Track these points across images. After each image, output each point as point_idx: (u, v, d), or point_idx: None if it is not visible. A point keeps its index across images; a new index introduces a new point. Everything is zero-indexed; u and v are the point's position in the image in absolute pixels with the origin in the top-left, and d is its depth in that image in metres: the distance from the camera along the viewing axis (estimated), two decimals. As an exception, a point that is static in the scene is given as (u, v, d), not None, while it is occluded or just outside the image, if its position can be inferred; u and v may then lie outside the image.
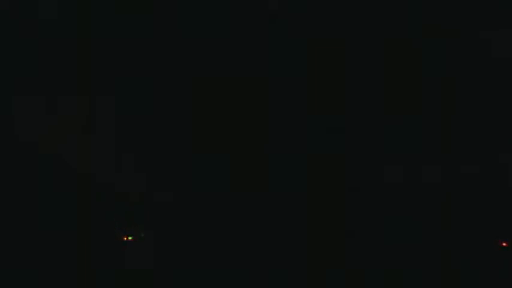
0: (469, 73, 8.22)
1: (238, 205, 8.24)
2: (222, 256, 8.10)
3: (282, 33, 8.28)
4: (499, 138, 8.17)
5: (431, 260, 7.99)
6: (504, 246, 7.95)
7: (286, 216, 8.19)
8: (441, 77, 8.26)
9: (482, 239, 8.05)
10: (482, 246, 8.04)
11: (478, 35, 8.20)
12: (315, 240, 8.14)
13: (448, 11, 8.21)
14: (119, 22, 8.28)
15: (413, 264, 7.96)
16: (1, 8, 8.21)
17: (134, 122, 8.32)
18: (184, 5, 8.28)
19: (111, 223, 8.14)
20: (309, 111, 8.29)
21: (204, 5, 8.27)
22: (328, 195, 8.21)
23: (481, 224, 8.08)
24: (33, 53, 8.24)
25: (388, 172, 8.21)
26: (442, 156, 8.20)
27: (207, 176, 8.29)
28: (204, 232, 8.19)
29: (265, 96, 8.31)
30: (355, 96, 8.27)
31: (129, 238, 8.13)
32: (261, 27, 8.30)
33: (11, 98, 8.23)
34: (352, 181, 8.23)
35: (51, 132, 8.23)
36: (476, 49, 8.21)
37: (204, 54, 8.32)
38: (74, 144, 8.24)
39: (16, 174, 8.19)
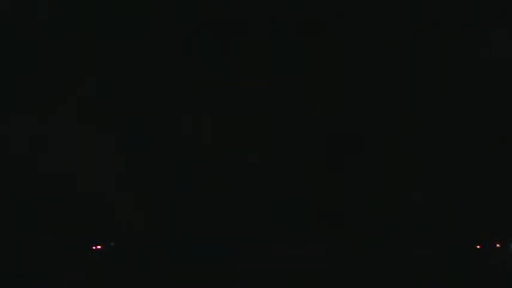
0: (469, 73, 8.23)
1: (238, 204, 8.26)
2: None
3: (282, 33, 8.28)
4: (498, 138, 8.18)
5: (431, 260, 8.00)
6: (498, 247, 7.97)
7: (286, 217, 8.21)
8: (441, 76, 8.26)
9: (483, 240, 8.07)
10: (482, 247, 8.05)
11: (478, 35, 8.21)
12: (316, 241, 8.15)
13: (448, 11, 8.21)
14: (119, 22, 8.28)
15: (413, 264, 7.97)
16: (1, 8, 8.21)
17: (134, 123, 8.32)
18: (184, 5, 8.28)
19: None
20: (309, 111, 8.29)
21: (203, 5, 8.27)
22: (329, 195, 8.22)
23: (480, 225, 8.09)
24: (33, 53, 8.24)
25: (388, 172, 8.22)
26: (442, 156, 8.21)
27: (205, 178, 8.30)
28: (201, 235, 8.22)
29: (265, 97, 8.31)
30: (355, 96, 8.27)
31: (98, 247, 8.12)
32: (261, 27, 8.30)
33: (11, 98, 8.23)
34: (352, 181, 8.23)
35: (50, 132, 8.23)
36: (476, 49, 8.22)
37: (204, 54, 8.32)
38: (73, 144, 8.25)
39: (14, 173, 8.20)
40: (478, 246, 8.00)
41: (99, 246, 8.12)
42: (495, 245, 8.02)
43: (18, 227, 8.14)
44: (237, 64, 8.29)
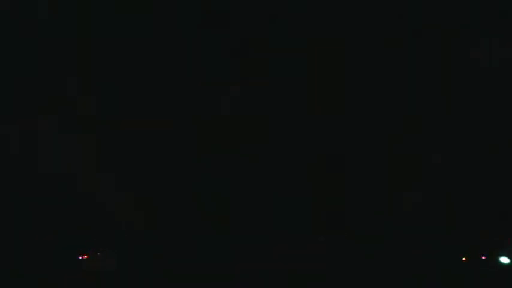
0: (468, 73, 8.23)
1: (238, 204, 8.26)
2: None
3: (282, 33, 8.28)
4: (497, 138, 8.18)
5: (431, 260, 8.01)
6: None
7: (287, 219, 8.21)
8: (441, 76, 8.26)
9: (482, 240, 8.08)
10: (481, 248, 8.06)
11: (478, 35, 8.21)
12: (316, 241, 8.15)
13: (448, 11, 8.21)
14: (119, 22, 8.27)
15: (413, 264, 7.98)
16: (1, 8, 8.21)
17: (134, 123, 8.32)
18: (184, 5, 8.28)
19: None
20: (309, 111, 8.29)
21: (204, 5, 8.26)
22: (329, 195, 8.22)
23: (480, 225, 8.10)
24: (33, 53, 8.24)
25: (388, 172, 8.22)
26: (442, 156, 8.21)
27: (205, 178, 8.31)
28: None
29: (265, 97, 8.31)
30: (355, 96, 8.27)
31: (85, 256, 8.11)
32: (261, 27, 8.29)
33: (11, 97, 8.23)
34: (352, 181, 8.23)
35: (50, 132, 8.23)
36: (476, 49, 8.22)
37: (203, 55, 8.32)
38: (73, 143, 8.25)
39: (13, 173, 8.21)
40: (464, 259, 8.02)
41: (85, 256, 8.12)
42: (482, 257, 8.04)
43: (17, 227, 8.14)
44: (237, 64, 8.29)
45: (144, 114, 8.31)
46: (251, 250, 8.09)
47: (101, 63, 8.29)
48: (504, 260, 7.90)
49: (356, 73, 8.27)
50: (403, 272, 7.95)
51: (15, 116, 8.22)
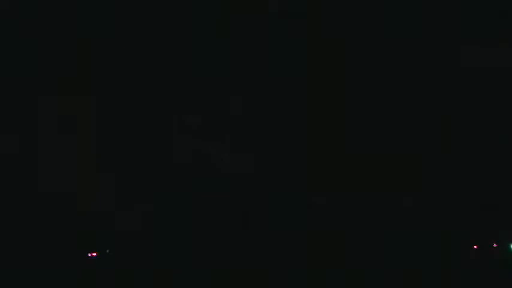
0: (468, 73, 8.24)
1: (238, 204, 8.26)
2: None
3: (282, 33, 8.28)
4: (497, 138, 8.19)
5: (431, 260, 8.01)
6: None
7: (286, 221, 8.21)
8: (440, 77, 8.27)
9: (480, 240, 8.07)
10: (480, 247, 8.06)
11: (477, 36, 8.22)
12: (315, 241, 8.15)
13: (447, 11, 8.22)
14: (119, 22, 8.28)
15: (413, 264, 7.98)
16: (1, 8, 8.21)
17: (134, 123, 8.32)
18: (184, 5, 8.28)
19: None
20: (309, 111, 8.30)
21: (204, 5, 8.27)
22: (329, 195, 8.22)
23: (480, 225, 8.10)
24: (33, 53, 8.24)
25: (388, 172, 8.22)
26: (441, 156, 8.21)
27: (205, 178, 8.30)
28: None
29: (265, 97, 8.32)
30: (355, 96, 8.28)
31: (94, 254, 8.10)
32: (261, 27, 8.30)
33: (10, 97, 8.23)
34: (352, 181, 8.23)
35: (49, 132, 8.22)
36: (476, 49, 8.23)
37: (204, 54, 8.32)
38: (73, 144, 8.24)
39: (13, 173, 8.20)
40: (475, 247, 8.01)
41: (94, 254, 8.10)
42: (493, 245, 8.02)
43: (17, 227, 8.13)
44: (237, 64, 8.30)
45: (144, 114, 8.30)
46: (251, 250, 8.09)
47: (101, 63, 8.29)
48: None
49: (356, 73, 8.28)
50: (403, 272, 7.94)
51: (15, 116, 8.21)
